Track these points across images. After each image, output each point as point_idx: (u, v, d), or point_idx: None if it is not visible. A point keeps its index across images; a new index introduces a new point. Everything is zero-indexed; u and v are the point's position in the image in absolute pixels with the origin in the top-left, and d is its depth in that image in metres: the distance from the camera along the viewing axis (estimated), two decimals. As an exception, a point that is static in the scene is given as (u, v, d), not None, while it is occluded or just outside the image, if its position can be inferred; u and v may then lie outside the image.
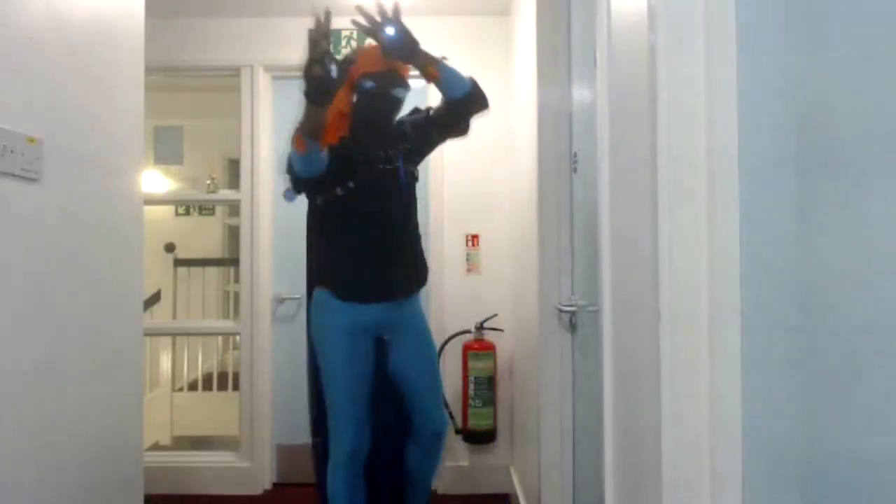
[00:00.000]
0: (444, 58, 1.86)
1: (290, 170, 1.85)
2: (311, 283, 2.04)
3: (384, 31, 1.75)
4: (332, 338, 1.89)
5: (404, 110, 2.03)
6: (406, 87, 1.94)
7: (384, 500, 2.15)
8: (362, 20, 1.77)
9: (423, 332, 2.05)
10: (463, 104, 1.92)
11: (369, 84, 1.86)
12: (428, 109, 2.05)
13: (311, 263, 2.10)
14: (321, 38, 1.59)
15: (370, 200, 1.89)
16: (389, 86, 1.89)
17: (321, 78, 1.57)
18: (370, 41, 1.86)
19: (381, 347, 2.00)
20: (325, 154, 1.75)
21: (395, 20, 1.75)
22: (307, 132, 1.66)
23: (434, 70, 1.82)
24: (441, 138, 2.06)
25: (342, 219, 1.91)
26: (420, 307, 2.08)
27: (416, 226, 2.03)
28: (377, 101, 1.89)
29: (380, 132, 1.94)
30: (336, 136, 1.83)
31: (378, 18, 1.76)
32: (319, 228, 1.98)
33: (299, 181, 1.87)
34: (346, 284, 1.90)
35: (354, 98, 1.92)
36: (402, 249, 1.95)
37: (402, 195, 1.94)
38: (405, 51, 1.79)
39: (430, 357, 2.06)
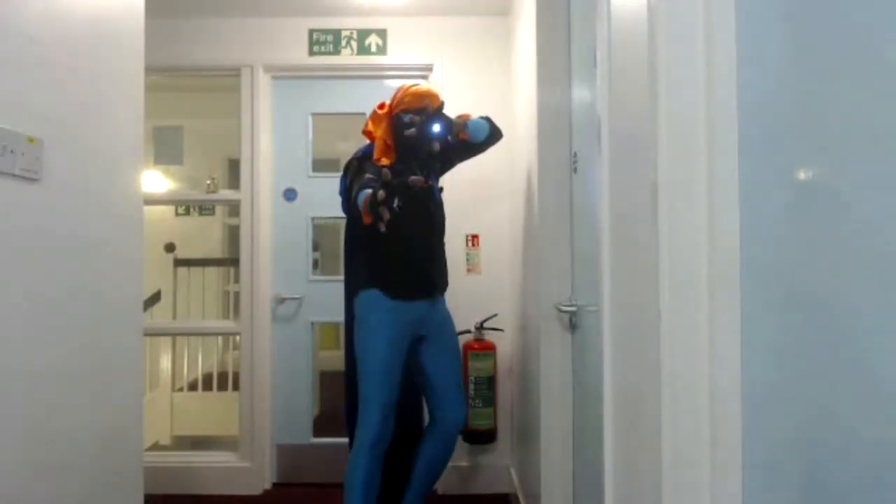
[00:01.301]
0: (466, 116, 2.18)
1: (348, 204, 2.17)
2: (351, 285, 2.26)
3: (431, 128, 2.05)
4: (378, 332, 2.09)
5: None
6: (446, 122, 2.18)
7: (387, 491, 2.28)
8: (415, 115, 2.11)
9: (452, 331, 2.32)
10: (485, 143, 2.25)
11: (409, 119, 2.12)
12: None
13: (349, 267, 2.31)
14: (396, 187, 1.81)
15: (413, 215, 2.11)
16: (435, 125, 2.15)
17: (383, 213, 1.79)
18: (414, 83, 2.22)
19: (411, 347, 2.21)
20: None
21: (440, 115, 2.05)
22: (375, 218, 1.89)
23: (464, 134, 2.15)
24: (458, 161, 2.36)
25: (390, 231, 2.05)
26: (447, 308, 2.33)
27: (444, 233, 2.31)
28: (426, 140, 2.11)
29: (419, 157, 2.19)
30: (385, 163, 2.12)
31: (426, 116, 2.07)
32: (368, 239, 2.15)
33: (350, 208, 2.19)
34: (395, 285, 2.13)
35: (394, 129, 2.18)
36: (436, 254, 2.25)
37: (437, 208, 2.23)
38: (447, 137, 2.10)
39: (457, 353, 2.32)
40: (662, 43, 0.82)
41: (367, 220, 1.85)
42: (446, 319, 2.30)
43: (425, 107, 2.14)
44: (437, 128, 2.02)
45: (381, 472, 2.11)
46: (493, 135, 2.24)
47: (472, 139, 2.18)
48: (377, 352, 2.09)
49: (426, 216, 2.19)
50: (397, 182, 1.77)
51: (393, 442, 2.14)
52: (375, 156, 2.16)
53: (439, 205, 2.25)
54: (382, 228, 1.80)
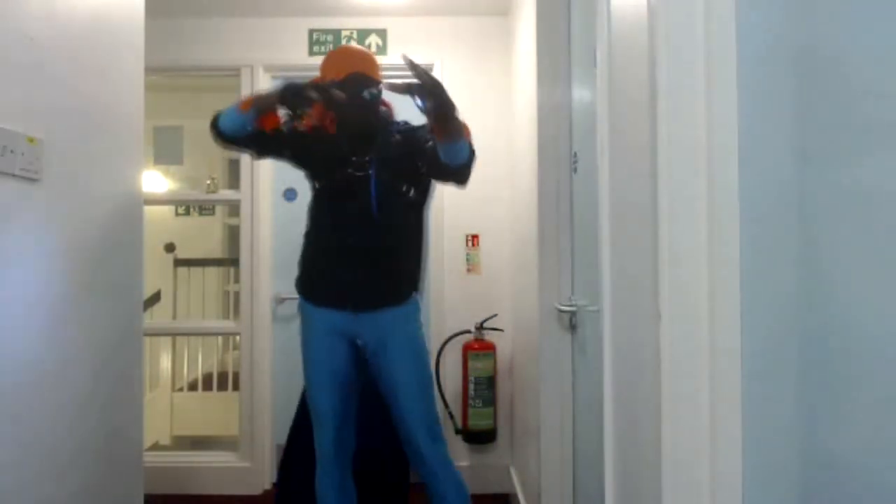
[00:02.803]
0: (467, 129, 1.65)
1: (217, 119, 1.85)
2: None
3: (416, 98, 1.45)
4: (308, 337, 1.90)
5: (407, 114, 2.00)
6: (376, 85, 1.84)
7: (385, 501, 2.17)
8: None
9: (407, 349, 1.84)
10: (448, 172, 1.76)
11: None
12: (427, 138, 1.80)
13: None
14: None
15: (337, 206, 1.84)
16: (359, 90, 1.81)
17: (306, 100, 1.74)
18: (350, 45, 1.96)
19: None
20: (251, 128, 1.84)
21: (434, 84, 1.45)
22: (260, 107, 1.79)
23: (450, 139, 1.59)
24: (428, 174, 1.88)
25: (314, 221, 1.93)
26: (407, 322, 1.86)
27: (399, 238, 1.87)
28: (348, 108, 1.80)
29: (355, 136, 1.85)
30: (274, 124, 1.89)
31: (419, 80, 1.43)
32: (306, 231, 1.96)
33: (218, 133, 1.86)
34: (306, 285, 1.92)
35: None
36: (372, 261, 1.81)
37: (371, 205, 1.79)
38: (435, 111, 1.49)
39: (418, 378, 1.83)
40: (662, 43, 0.82)
41: (245, 105, 1.76)
42: (396, 333, 1.83)
43: (354, 74, 1.80)
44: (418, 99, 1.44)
45: (352, 485, 1.92)
46: (461, 173, 1.75)
47: (445, 155, 1.65)
48: (310, 362, 1.87)
49: (352, 214, 1.81)
50: (322, 89, 1.70)
51: (381, 460, 2.01)
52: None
53: (385, 202, 1.81)
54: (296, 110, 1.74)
